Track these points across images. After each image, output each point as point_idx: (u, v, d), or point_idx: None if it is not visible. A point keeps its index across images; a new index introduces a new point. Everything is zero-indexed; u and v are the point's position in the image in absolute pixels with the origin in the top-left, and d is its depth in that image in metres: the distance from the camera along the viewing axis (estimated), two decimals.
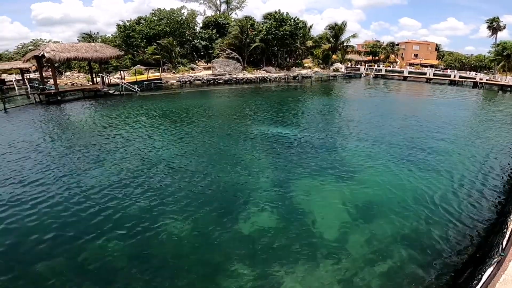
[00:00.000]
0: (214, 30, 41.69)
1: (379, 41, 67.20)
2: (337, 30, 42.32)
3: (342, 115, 17.91)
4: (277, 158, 10.12)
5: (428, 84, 38.09)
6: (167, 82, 31.79)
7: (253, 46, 37.08)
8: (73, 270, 5.08)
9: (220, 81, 33.58)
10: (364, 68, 46.49)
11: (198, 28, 43.44)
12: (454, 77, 38.36)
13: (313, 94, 27.81)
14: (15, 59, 49.61)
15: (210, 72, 36.37)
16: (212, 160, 10.00)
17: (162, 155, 10.37)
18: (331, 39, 43.29)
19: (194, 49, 41.26)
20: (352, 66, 52.76)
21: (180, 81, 32.43)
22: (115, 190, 7.78)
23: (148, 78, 30.71)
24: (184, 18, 39.26)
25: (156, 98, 24.51)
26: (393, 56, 64.73)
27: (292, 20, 37.20)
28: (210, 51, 40.32)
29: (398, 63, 62.26)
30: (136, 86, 26.74)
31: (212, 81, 33.46)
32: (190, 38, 40.72)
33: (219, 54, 37.69)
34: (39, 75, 30.80)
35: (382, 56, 62.63)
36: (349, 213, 6.79)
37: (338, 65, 46.41)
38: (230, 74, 35.10)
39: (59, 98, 23.10)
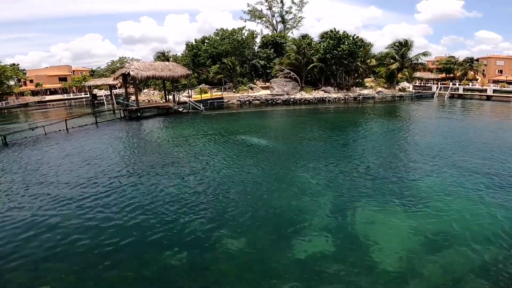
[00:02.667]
0: (272, 50, 42.92)
1: (453, 57, 60.32)
2: (404, 50, 39.47)
3: (411, 141, 16.31)
4: (337, 184, 9.78)
5: None
6: (228, 101, 33.73)
7: (310, 66, 36.94)
8: (135, 277, 5.58)
9: (278, 102, 34.17)
10: (437, 87, 41.94)
11: (256, 48, 45.13)
12: None
13: (376, 117, 26.05)
14: (105, 75, 59.02)
15: (268, 91, 37.34)
16: (270, 181, 10.18)
17: (222, 173, 10.93)
18: (396, 57, 40.42)
19: (253, 68, 43.01)
20: (422, 84, 48.13)
21: (240, 101, 34.11)
22: (177, 203, 8.45)
23: (212, 97, 33.05)
24: (244, 38, 41.26)
25: (218, 117, 26.17)
26: (472, 73, 57.10)
27: (350, 38, 36.04)
28: (268, 71, 41.53)
29: (478, 80, 54.57)
30: (201, 104, 29.01)
31: (270, 101, 34.28)
32: (250, 58, 42.60)
33: (277, 74, 38.49)
34: (123, 91, 35.87)
35: (458, 73, 55.77)
36: (416, 243, 6.32)
37: (404, 84, 42.81)
38: (288, 94, 35.45)
39: (139, 114, 26.36)
